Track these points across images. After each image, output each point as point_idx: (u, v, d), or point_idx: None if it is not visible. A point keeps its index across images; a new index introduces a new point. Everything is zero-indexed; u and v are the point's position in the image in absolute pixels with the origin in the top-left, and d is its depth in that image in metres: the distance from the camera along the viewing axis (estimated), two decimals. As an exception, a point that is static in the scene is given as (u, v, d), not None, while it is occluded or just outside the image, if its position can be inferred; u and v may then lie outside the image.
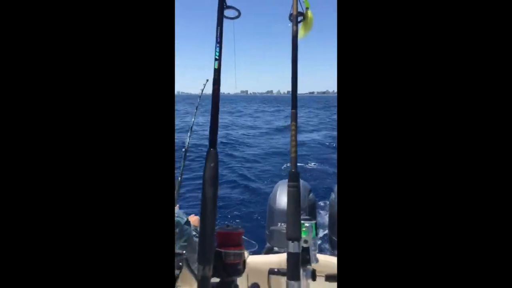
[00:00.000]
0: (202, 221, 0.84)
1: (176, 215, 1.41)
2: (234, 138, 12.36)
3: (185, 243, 1.39)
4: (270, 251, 2.04)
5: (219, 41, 0.91)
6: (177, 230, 1.36)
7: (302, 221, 1.01)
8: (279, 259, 1.53)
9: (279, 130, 15.45)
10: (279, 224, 2.02)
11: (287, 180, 2.47)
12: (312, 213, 2.08)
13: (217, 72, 0.91)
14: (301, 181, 2.25)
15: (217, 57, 0.91)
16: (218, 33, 0.92)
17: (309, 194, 2.14)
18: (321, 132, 14.38)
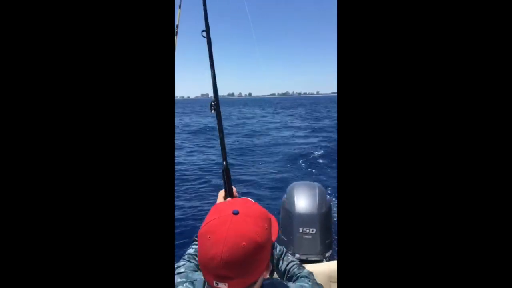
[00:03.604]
0: None
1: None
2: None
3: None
4: None
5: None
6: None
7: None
8: (329, 268, 1.47)
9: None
10: (300, 229, 1.94)
11: (301, 182, 2.37)
12: (328, 218, 2.01)
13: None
14: (317, 184, 2.18)
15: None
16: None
17: (325, 197, 2.08)
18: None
